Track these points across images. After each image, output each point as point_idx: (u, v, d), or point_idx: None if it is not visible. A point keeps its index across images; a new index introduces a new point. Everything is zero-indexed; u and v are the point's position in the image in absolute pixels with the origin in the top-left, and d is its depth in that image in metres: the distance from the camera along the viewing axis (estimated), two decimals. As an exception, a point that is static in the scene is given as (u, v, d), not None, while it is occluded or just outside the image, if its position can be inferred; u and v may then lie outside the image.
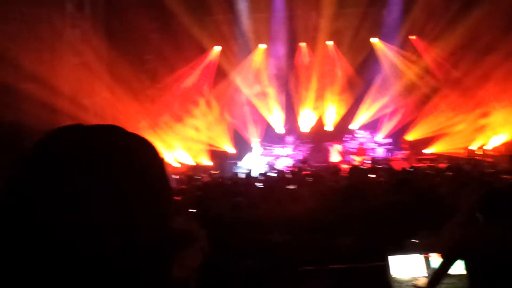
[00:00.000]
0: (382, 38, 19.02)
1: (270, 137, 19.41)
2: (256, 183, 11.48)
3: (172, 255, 0.97)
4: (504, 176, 9.20)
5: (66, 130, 0.93)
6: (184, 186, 11.71)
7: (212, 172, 15.28)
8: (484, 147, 16.88)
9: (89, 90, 14.51)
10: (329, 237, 5.34)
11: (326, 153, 18.44)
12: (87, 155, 0.88)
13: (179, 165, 17.42)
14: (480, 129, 17.07)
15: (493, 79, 16.10)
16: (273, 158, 18.33)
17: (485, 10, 15.52)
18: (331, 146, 18.48)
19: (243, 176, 13.89)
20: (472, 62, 16.48)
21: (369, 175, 11.37)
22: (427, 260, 4.28)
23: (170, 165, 17.25)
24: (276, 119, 19.44)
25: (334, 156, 18.17)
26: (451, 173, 10.20)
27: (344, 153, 18.23)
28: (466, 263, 3.59)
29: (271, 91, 19.27)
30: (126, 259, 0.86)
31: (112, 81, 15.22)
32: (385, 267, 4.28)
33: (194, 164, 17.65)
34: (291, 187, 9.96)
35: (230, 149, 18.83)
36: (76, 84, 13.92)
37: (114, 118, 14.29)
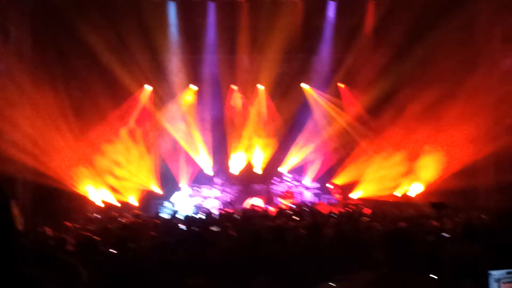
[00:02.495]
0: (312, 84, 19.45)
1: (199, 178, 19.21)
2: (179, 225, 11.23)
3: None
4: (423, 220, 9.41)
5: None
6: (108, 226, 11.27)
7: (135, 212, 14.81)
8: (407, 193, 17.36)
9: (11, 124, 13.93)
10: (245, 279, 5.19)
11: (253, 195, 18.40)
12: None
13: (102, 205, 16.87)
14: (406, 174, 17.56)
15: (418, 127, 16.69)
16: (201, 199, 18.08)
17: (412, 62, 16.24)
18: (259, 189, 18.51)
19: (168, 217, 13.60)
20: (396, 112, 17.09)
21: (294, 218, 11.39)
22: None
23: (92, 203, 16.70)
24: (204, 161, 19.27)
25: (259, 199, 18.08)
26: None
27: (270, 196, 18.27)
28: None
29: (197, 133, 19.15)
30: None
31: (35, 115, 14.72)
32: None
33: (118, 204, 17.13)
34: (215, 229, 9.76)
35: (156, 189, 18.43)
36: (-3, 118, 13.35)
37: (36, 153, 13.78)
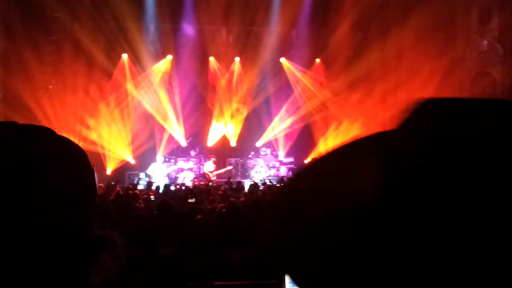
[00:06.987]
0: (291, 58, 19.40)
1: (176, 150, 19.03)
2: (151, 197, 11.32)
3: (91, 258, 0.97)
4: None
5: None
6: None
7: (111, 183, 14.62)
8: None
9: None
10: (223, 251, 5.16)
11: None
12: (20, 153, 0.89)
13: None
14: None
15: (395, 105, 16.79)
16: (174, 170, 17.92)
17: (389, 42, 16.30)
18: (233, 162, 18.48)
19: (142, 187, 13.58)
20: (371, 90, 17.20)
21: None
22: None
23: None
24: (178, 133, 19.13)
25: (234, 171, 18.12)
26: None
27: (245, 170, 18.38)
28: None
29: (171, 104, 18.94)
30: (46, 259, 0.85)
31: (8, 78, 14.49)
32: (280, 284, 4.14)
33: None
34: (191, 200, 9.80)
35: (130, 159, 18.25)
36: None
37: (6, 118, 13.45)
